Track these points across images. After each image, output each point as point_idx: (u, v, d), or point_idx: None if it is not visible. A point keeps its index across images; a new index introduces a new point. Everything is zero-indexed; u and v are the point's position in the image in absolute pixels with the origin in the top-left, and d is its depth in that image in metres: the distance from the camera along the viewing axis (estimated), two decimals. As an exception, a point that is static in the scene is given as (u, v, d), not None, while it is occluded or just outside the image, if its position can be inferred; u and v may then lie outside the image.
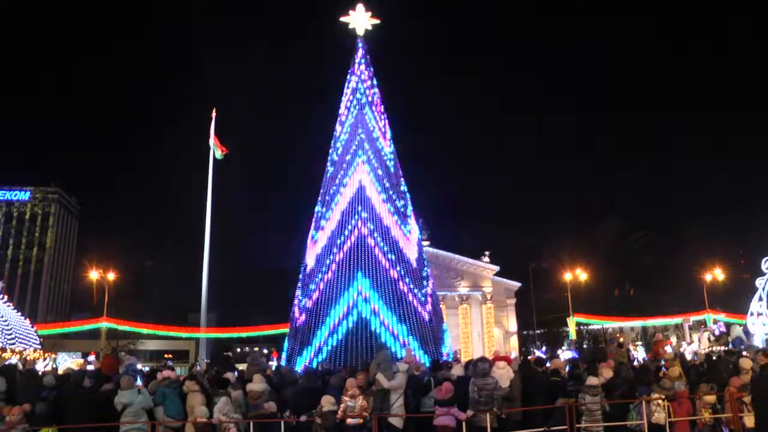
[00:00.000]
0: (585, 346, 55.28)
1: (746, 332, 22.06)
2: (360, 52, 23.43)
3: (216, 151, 24.51)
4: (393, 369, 11.87)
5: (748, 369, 12.14)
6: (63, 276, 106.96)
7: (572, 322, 54.24)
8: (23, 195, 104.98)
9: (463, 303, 63.39)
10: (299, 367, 17.54)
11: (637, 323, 66.08)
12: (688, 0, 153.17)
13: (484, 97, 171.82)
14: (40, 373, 14.04)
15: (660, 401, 11.33)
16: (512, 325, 66.87)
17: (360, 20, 23.32)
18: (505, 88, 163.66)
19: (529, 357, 18.37)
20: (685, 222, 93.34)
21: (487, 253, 66.16)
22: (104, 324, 46.85)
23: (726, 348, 21.22)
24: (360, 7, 23.39)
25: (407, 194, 22.29)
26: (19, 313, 26.18)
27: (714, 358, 16.28)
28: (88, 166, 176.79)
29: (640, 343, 61.19)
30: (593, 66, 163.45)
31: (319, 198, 22.13)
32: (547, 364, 14.35)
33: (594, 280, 63.34)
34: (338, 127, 22.67)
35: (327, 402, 10.85)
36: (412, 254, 20.85)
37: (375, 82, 23.20)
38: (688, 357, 18.23)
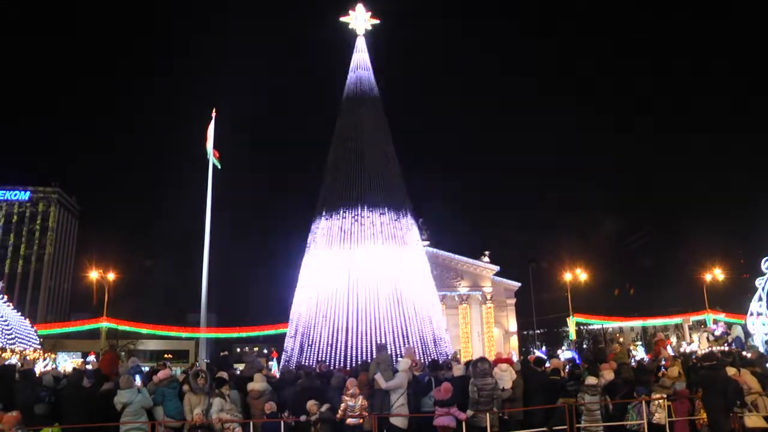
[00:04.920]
0: (585, 346, 55.27)
1: (746, 332, 21.99)
2: (359, 52, 23.43)
3: (212, 157, 24.45)
4: (393, 369, 11.84)
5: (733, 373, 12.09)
6: (63, 276, 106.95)
7: (572, 322, 54.21)
8: (23, 195, 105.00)
9: (463, 303, 63.38)
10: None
11: (637, 323, 66.08)
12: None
13: (484, 97, 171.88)
14: (38, 373, 14.01)
15: (660, 401, 11.32)
16: (512, 325, 66.84)
17: (360, 20, 23.35)
18: (505, 88, 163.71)
19: (528, 357, 18.39)
20: (685, 222, 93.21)
21: (487, 253, 66.16)
22: (104, 324, 46.86)
23: (724, 348, 21.16)
24: (360, 7, 23.43)
25: (406, 193, 22.28)
26: (19, 313, 26.08)
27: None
28: (88, 166, 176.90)
29: (640, 343, 61.18)
30: (593, 65, 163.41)
31: (319, 196, 22.12)
32: (547, 364, 14.34)
33: (594, 280, 63.34)
34: (337, 127, 22.65)
35: (313, 406, 10.88)
36: (410, 254, 20.86)
37: (375, 80, 23.20)
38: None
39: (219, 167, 24.58)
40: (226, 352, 19.36)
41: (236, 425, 10.57)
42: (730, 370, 11.45)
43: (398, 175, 21.82)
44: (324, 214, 20.96)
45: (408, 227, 21.21)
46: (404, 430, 11.09)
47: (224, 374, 11.87)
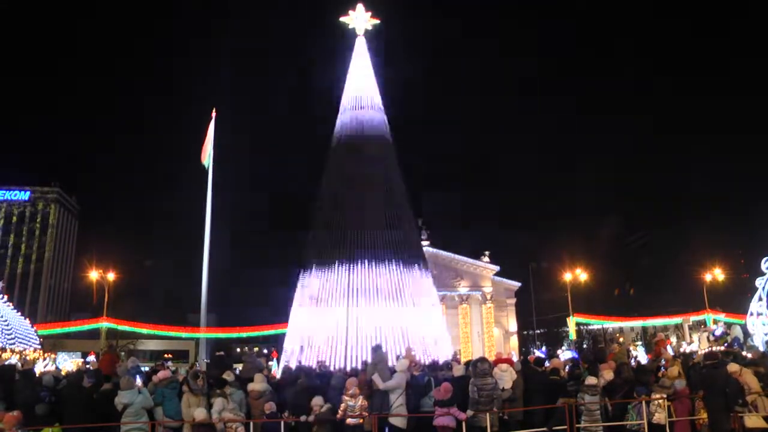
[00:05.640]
0: (585, 346, 55.25)
1: (745, 332, 22.02)
2: (359, 52, 23.43)
3: (210, 158, 24.43)
4: (390, 369, 11.82)
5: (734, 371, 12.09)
6: (63, 276, 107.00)
7: (572, 322, 54.19)
8: (23, 195, 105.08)
9: (463, 303, 63.40)
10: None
11: (637, 323, 66.01)
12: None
13: (484, 97, 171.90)
14: (38, 373, 14.01)
15: (660, 401, 11.32)
16: (512, 325, 66.87)
17: (360, 20, 23.36)
18: (505, 88, 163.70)
19: (528, 357, 18.41)
20: (685, 222, 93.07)
21: (487, 253, 66.19)
22: (104, 324, 46.83)
23: (724, 349, 21.19)
24: (360, 7, 23.43)
25: (406, 193, 22.29)
26: (19, 313, 26.10)
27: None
28: (88, 166, 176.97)
29: (640, 343, 61.14)
30: (592, 66, 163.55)
31: (319, 195, 22.12)
32: (547, 364, 14.34)
33: (594, 280, 63.27)
34: (338, 127, 22.66)
35: (318, 403, 10.88)
36: (410, 253, 20.88)
37: (375, 80, 23.20)
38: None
39: (206, 167, 24.60)
40: (222, 353, 19.40)
41: (239, 425, 10.58)
42: (733, 367, 11.44)
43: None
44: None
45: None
46: (404, 430, 11.08)
47: (229, 375, 11.88)
